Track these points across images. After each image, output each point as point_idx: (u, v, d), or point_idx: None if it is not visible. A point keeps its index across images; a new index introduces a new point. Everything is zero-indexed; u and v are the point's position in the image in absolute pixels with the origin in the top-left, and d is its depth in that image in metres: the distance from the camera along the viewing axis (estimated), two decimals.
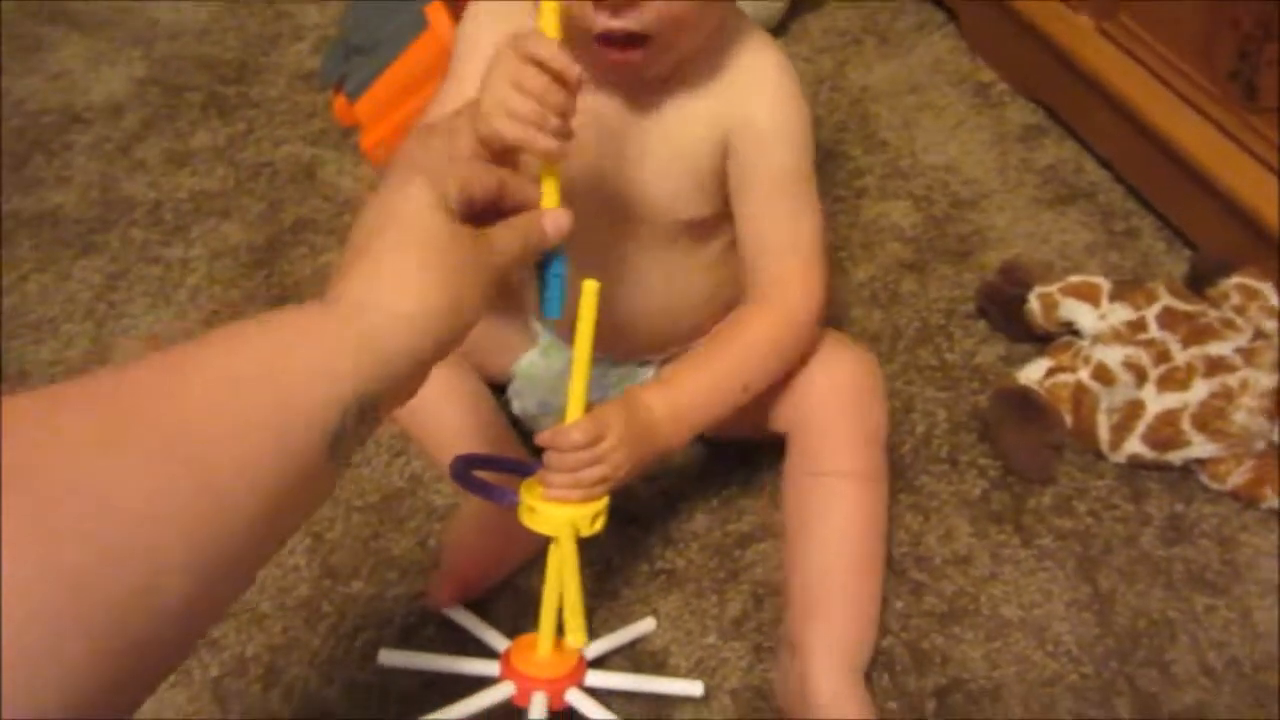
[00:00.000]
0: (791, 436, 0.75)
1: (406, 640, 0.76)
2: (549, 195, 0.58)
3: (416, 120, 0.85)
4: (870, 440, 0.73)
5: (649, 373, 0.82)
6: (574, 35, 0.61)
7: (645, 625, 0.74)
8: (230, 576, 0.39)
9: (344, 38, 0.95)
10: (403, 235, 0.48)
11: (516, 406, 0.85)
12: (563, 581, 0.64)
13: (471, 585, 0.75)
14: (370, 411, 0.44)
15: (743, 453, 0.82)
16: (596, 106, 0.68)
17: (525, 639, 0.69)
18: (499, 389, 0.86)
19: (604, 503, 0.64)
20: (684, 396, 0.69)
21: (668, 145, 0.70)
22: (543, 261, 0.59)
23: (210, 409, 0.39)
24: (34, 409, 0.36)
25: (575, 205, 0.69)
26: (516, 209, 0.55)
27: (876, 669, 0.72)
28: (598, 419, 0.64)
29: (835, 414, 0.73)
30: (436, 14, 0.83)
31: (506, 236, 0.53)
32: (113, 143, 1.16)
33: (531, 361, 0.84)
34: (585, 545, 0.64)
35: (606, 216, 0.72)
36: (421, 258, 0.47)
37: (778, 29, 1.21)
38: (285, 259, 1.02)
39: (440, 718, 0.66)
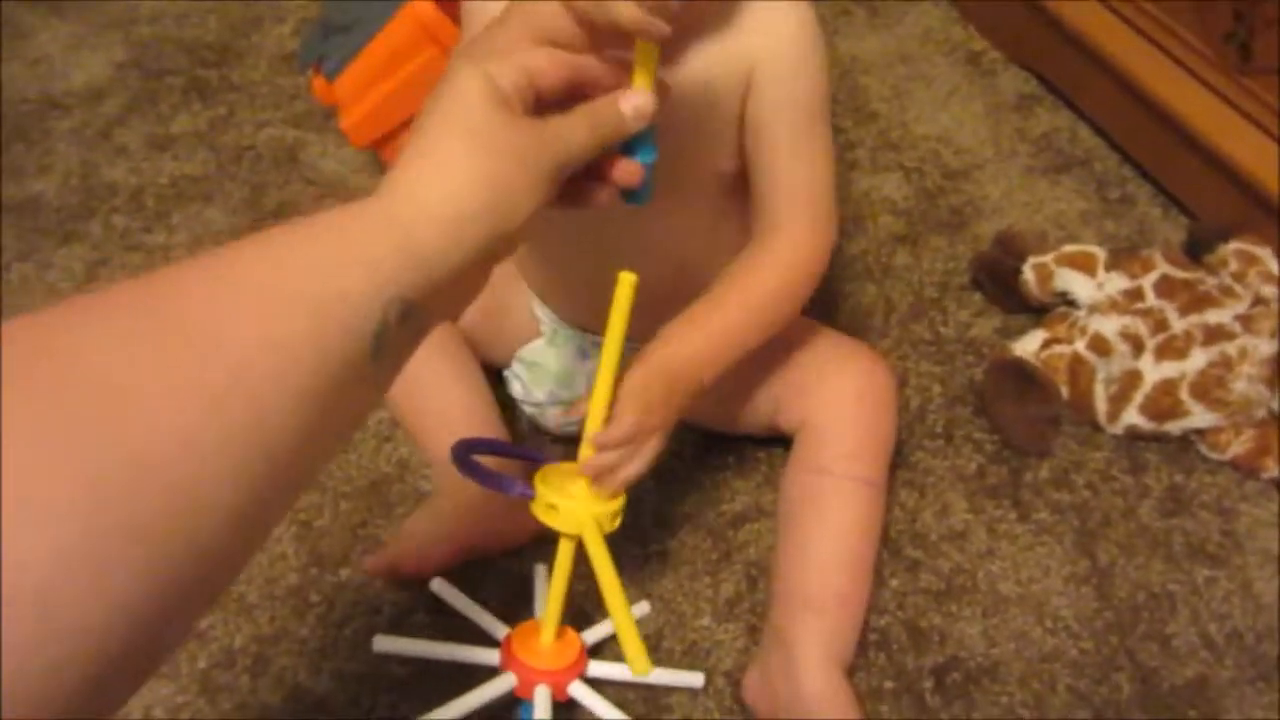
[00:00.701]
0: (801, 434, 0.73)
1: (397, 628, 0.75)
2: (641, 79, 0.51)
3: (398, 100, 0.84)
4: (879, 448, 0.72)
5: None
6: None
7: (639, 609, 0.73)
8: (276, 483, 0.37)
9: (323, 17, 0.93)
10: (448, 125, 0.45)
11: (517, 390, 0.84)
12: (603, 590, 0.60)
13: (419, 571, 0.73)
14: (416, 314, 0.42)
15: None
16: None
17: (526, 626, 0.68)
18: (495, 372, 0.85)
19: (623, 498, 0.63)
20: (706, 350, 0.66)
21: (697, 92, 0.68)
22: (628, 150, 0.52)
23: (246, 310, 0.36)
24: (63, 308, 0.34)
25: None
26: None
27: (873, 648, 0.72)
28: (639, 404, 0.62)
29: (848, 417, 0.72)
30: None
31: (571, 123, 0.48)
32: (93, 128, 1.15)
33: (538, 349, 0.82)
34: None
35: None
36: (467, 147, 0.44)
37: None
38: None
39: (441, 716, 0.65)
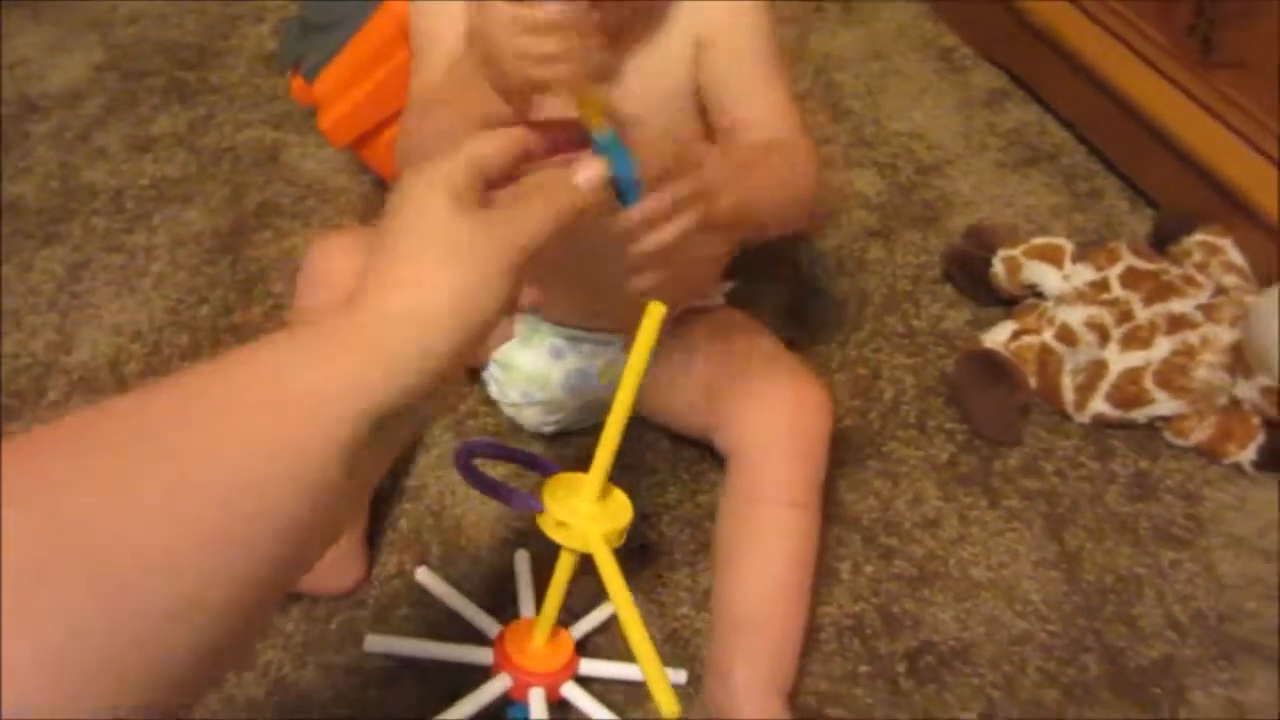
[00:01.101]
0: (734, 458, 0.73)
1: (384, 620, 0.76)
2: (593, 121, 0.52)
3: (378, 99, 0.85)
4: (811, 473, 0.72)
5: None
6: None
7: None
8: (256, 602, 0.38)
9: (301, 16, 0.94)
10: (414, 237, 0.45)
11: (494, 391, 0.85)
12: (623, 623, 0.58)
13: None
14: (389, 422, 0.42)
15: None
16: None
17: (518, 626, 0.68)
18: (473, 372, 0.86)
19: (630, 516, 0.62)
20: (749, 166, 0.62)
21: (650, 77, 0.69)
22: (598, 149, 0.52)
23: (216, 434, 0.38)
24: (54, 440, 0.37)
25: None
26: (555, 155, 0.52)
27: (847, 634, 0.73)
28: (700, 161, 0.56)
29: (781, 446, 0.71)
30: None
31: (530, 211, 0.48)
32: (72, 131, 1.15)
33: (511, 350, 0.83)
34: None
35: None
36: (436, 257, 0.45)
37: None
38: (250, 244, 1.02)
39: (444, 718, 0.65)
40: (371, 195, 1.06)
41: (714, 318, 0.82)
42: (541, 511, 0.61)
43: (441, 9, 0.71)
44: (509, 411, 0.85)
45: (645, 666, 0.56)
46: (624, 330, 0.78)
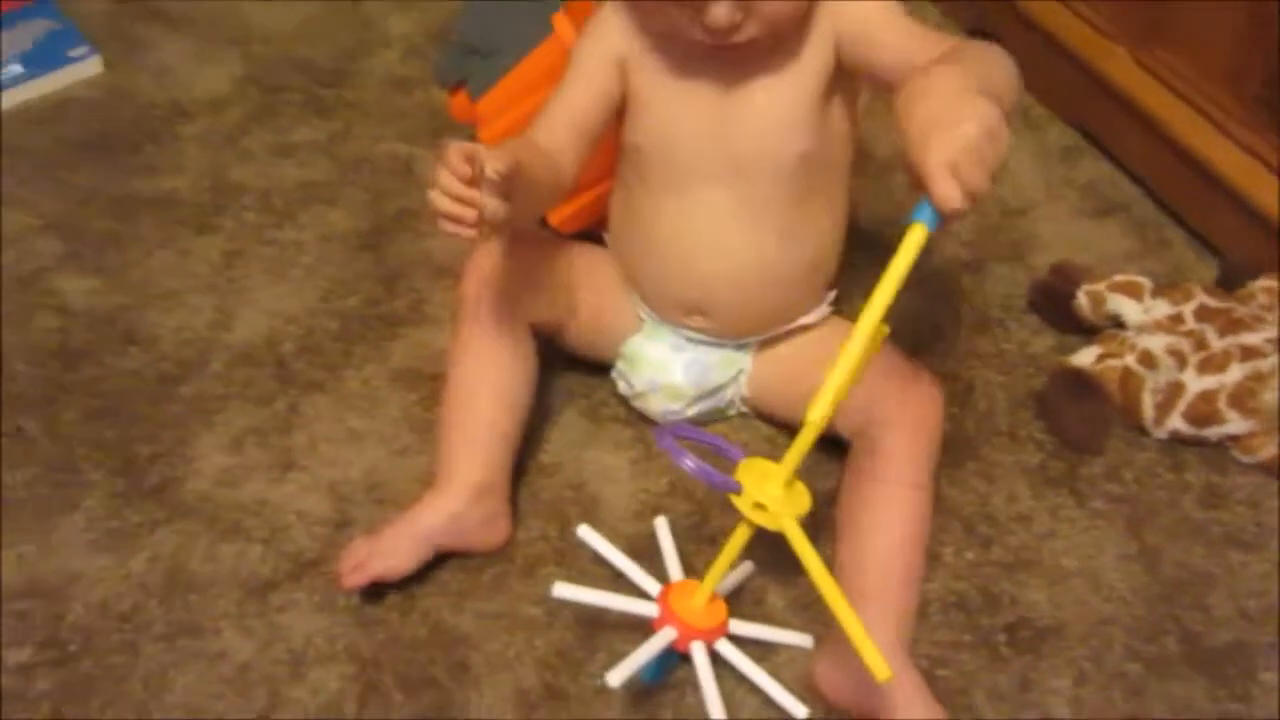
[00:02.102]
0: (858, 442, 0.83)
1: (530, 575, 0.84)
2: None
3: (532, 117, 0.95)
4: (928, 459, 0.81)
5: (746, 358, 0.91)
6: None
7: (744, 569, 0.83)
8: None
9: (461, 41, 1.05)
10: None
11: (623, 387, 0.94)
12: (819, 584, 0.67)
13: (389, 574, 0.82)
14: None
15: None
16: (707, 70, 0.79)
17: (682, 585, 0.76)
18: (605, 367, 0.96)
19: (810, 501, 0.71)
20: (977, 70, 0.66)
21: (776, 90, 0.79)
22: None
23: None
24: None
25: (699, 170, 0.80)
26: None
27: (953, 609, 0.82)
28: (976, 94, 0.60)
29: (901, 432, 0.80)
30: (563, 24, 0.92)
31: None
32: (219, 134, 1.25)
33: (637, 343, 0.92)
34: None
35: (729, 173, 0.82)
36: None
37: None
38: (392, 243, 1.11)
39: (624, 671, 0.71)
40: None
41: (829, 324, 0.91)
42: (739, 493, 0.69)
43: (598, 45, 0.82)
44: (636, 403, 0.94)
45: (854, 634, 0.65)
46: (725, 337, 0.88)
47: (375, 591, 0.84)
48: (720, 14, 0.72)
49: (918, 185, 0.61)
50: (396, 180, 1.18)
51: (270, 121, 1.26)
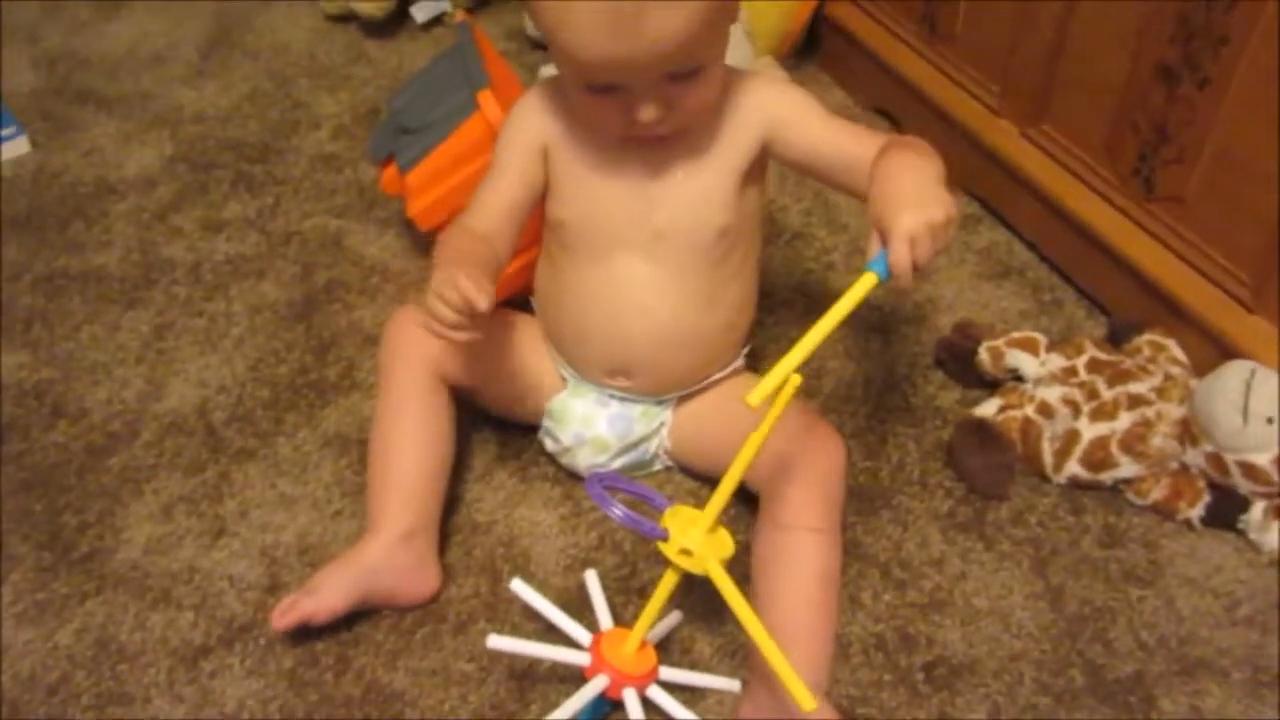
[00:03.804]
0: (764, 492, 0.86)
1: (463, 632, 0.86)
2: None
3: (461, 190, 1.00)
4: (831, 504, 0.85)
5: (666, 412, 0.95)
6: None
7: (673, 619, 0.86)
8: None
9: (391, 120, 1.09)
10: None
11: (550, 445, 0.97)
12: (745, 625, 0.71)
13: (315, 618, 0.84)
14: None
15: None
16: (628, 151, 0.84)
17: (612, 634, 0.79)
18: (532, 428, 0.99)
19: (733, 546, 0.75)
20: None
21: (701, 158, 0.85)
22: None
23: None
24: None
25: (622, 242, 0.85)
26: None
27: (872, 649, 0.85)
28: (931, 196, 0.72)
29: (807, 479, 0.84)
30: (487, 101, 0.97)
31: None
32: (149, 211, 1.27)
33: (562, 399, 0.95)
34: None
35: (651, 245, 0.87)
36: None
37: None
38: (322, 313, 1.14)
39: (558, 717, 0.74)
40: (429, 276, 1.18)
41: (743, 378, 0.96)
42: (666, 539, 0.73)
43: (520, 136, 0.88)
44: (563, 459, 0.97)
45: (778, 668, 0.68)
46: (645, 395, 0.92)
47: (309, 653, 0.85)
48: (649, 114, 0.78)
49: (882, 240, 0.72)
50: (326, 253, 1.21)
51: (200, 198, 1.29)
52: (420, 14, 1.54)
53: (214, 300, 1.16)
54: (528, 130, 0.88)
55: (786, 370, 0.70)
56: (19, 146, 1.34)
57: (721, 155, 0.86)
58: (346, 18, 1.57)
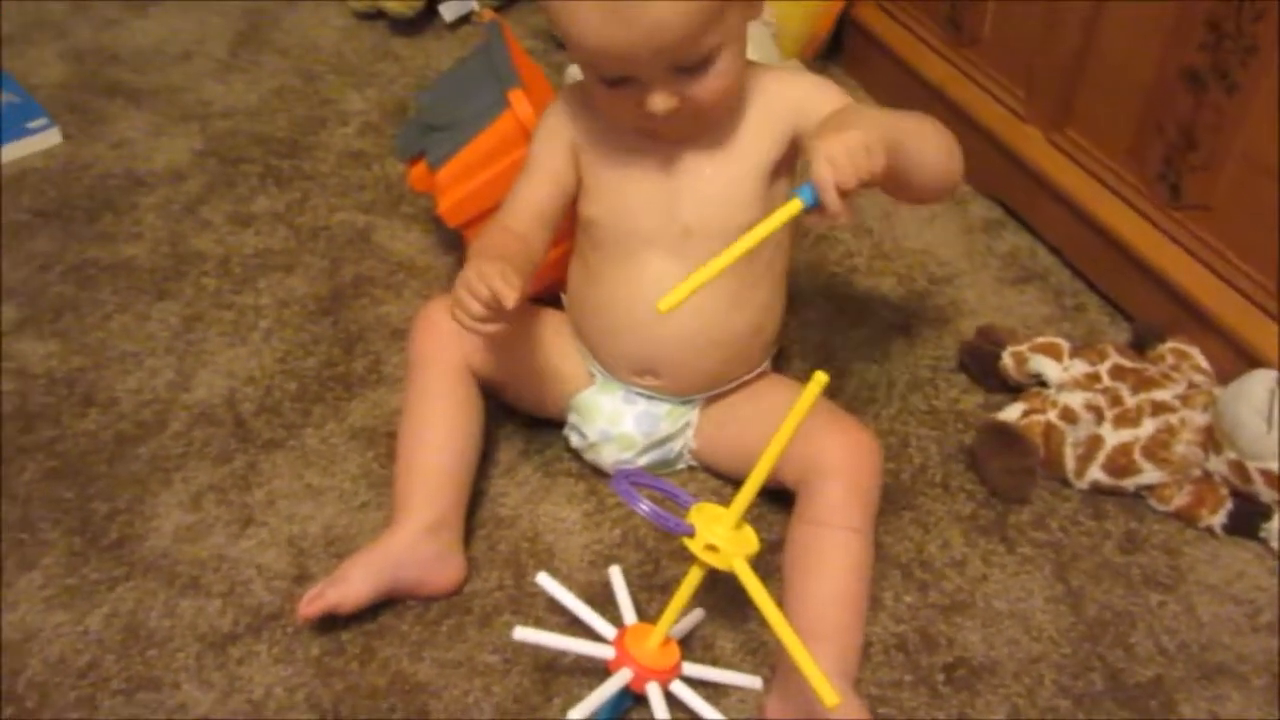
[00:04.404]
0: (801, 491, 0.87)
1: (488, 624, 0.87)
2: None
3: (490, 187, 1.00)
4: (866, 504, 0.86)
5: (693, 411, 0.95)
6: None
7: (695, 616, 0.86)
8: None
9: (419, 118, 1.10)
10: None
11: (575, 440, 0.98)
12: (770, 620, 0.71)
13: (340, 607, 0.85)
14: None
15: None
16: (655, 149, 0.85)
17: (636, 629, 0.80)
18: (557, 425, 0.99)
19: (757, 543, 0.75)
20: (889, 122, 0.77)
21: (726, 154, 0.86)
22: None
23: None
24: None
25: (651, 240, 0.85)
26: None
27: (893, 649, 0.86)
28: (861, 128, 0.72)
29: (841, 479, 0.85)
30: (518, 99, 0.98)
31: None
32: (178, 204, 1.28)
33: (589, 396, 0.96)
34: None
35: (679, 243, 0.87)
36: None
37: None
38: (349, 308, 1.15)
39: (579, 715, 0.74)
40: (455, 272, 1.19)
41: (768, 380, 0.97)
42: (693, 535, 0.73)
43: (551, 138, 0.89)
44: (588, 455, 0.98)
45: (803, 664, 0.69)
46: (672, 394, 0.93)
47: (335, 642, 0.86)
48: (659, 103, 0.79)
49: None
50: (353, 248, 1.22)
51: (229, 192, 1.30)
52: (448, 12, 1.55)
53: (243, 293, 1.17)
54: (559, 130, 0.90)
55: (697, 283, 0.72)
56: (50, 138, 1.35)
57: (749, 151, 0.87)
58: (375, 15, 1.59)
